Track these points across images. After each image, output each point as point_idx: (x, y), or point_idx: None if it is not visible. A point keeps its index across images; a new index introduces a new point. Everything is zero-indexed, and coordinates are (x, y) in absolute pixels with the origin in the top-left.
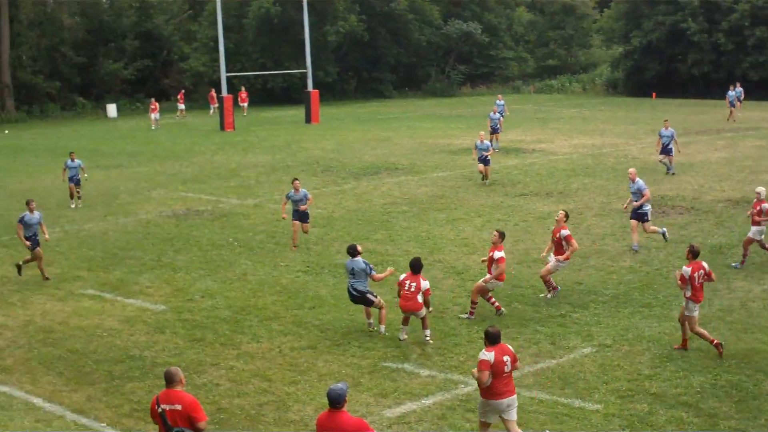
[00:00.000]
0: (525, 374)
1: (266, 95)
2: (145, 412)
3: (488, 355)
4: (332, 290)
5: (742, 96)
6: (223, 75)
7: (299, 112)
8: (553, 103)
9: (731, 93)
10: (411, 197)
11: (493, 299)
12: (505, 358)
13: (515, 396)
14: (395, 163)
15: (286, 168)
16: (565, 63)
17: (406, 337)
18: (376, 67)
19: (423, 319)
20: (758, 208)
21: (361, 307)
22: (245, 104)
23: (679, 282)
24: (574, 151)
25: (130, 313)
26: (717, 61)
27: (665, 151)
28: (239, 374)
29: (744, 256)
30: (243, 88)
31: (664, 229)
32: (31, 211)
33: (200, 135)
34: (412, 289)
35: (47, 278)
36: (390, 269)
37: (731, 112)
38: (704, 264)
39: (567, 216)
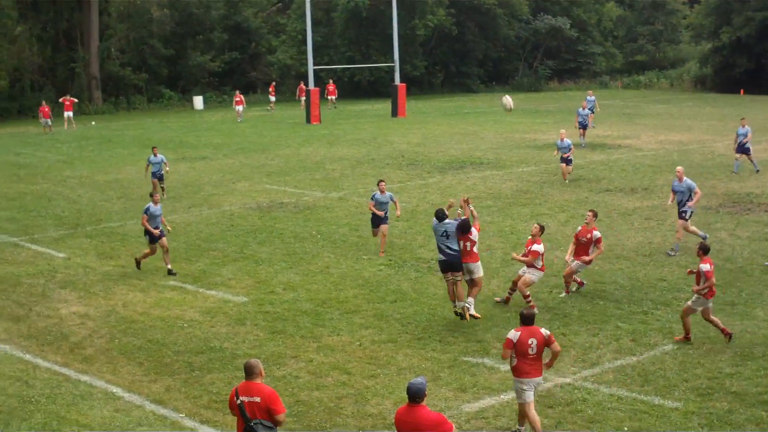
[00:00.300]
0: (605, 371)
1: (353, 89)
2: (224, 404)
3: (514, 335)
4: (414, 284)
5: None
6: (311, 68)
7: (386, 105)
8: (640, 99)
9: None
10: (495, 192)
11: (510, 295)
12: (531, 340)
13: (540, 378)
14: (480, 157)
15: (372, 161)
16: (653, 58)
17: (478, 315)
18: (463, 62)
19: (474, 283)
20: None
21: (442, 301)
22: (333, 97)
23: (711, 279)
24: (660, 147)
25: (211, 304)
26: None
27: (742, 149)
28: (319, 367)
29: None
30: (330, 81)
31: (706, 234)
32: (155, 202)
33: (286, 128)
34: (468, 248)
35: (172, 271)
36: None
37: None
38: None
39: (596, 216)
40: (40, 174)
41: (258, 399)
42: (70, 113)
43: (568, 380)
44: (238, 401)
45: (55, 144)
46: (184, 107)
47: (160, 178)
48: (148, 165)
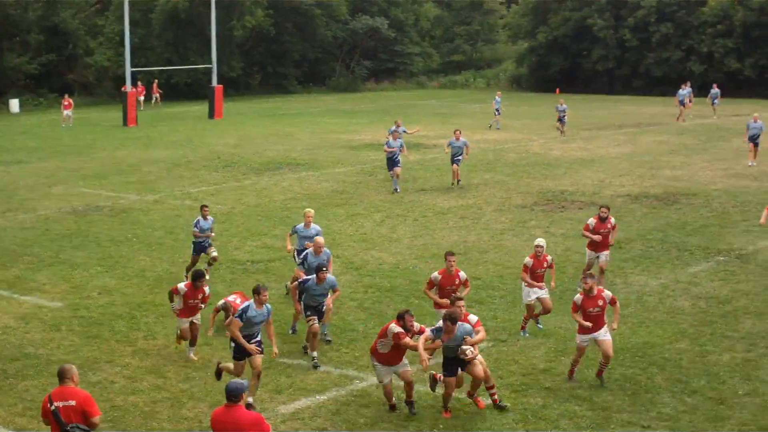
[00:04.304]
0: (418, 370)
1: (170, 90)
2: (39, 411)
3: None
4: (229, 286)
5: (692, 95)
6: (128, 70)
7: (203, 107)
8: (457, 99)
9: (682, 92)
10: (311, 193)
11: None
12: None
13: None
14: (296, 158)
15: (188, 164)
16: (470, 58)
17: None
18: (280, 62)
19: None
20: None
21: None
22: (156, 95)
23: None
24: (475, 147)
25: (25, 310)
26: (621, 56)
27: (753, 141)
28: (134, 371)
29: None
30: (155, 81)
31: None
32: (260, 302)
33: (102, 131)
34: None
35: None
36: None
37: (681, 111)
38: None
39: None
40: None
41: (73, 402)
42: None
43: None
44: (52, 407)
45: None
46: None
47: (203, 249)
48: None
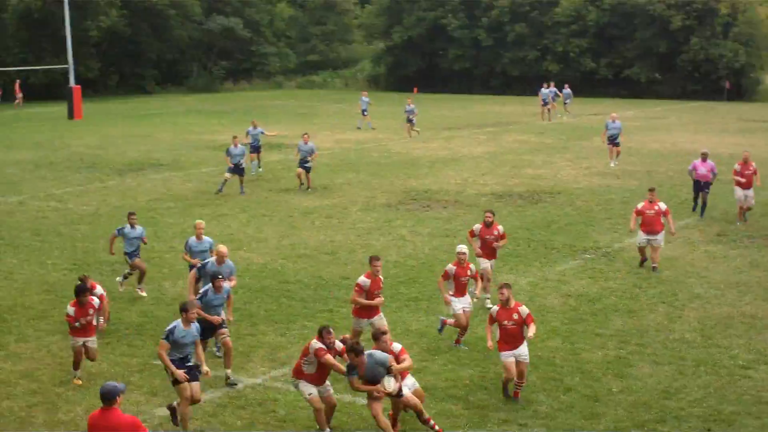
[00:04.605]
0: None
1: (28, 91)
2: None
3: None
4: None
5: (558, 94)
6: None
7: (61, 108)
8: (315, 99)
9: (545, 91)
10: (176, 193)
11: None
12: None
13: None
14: (159, 159)
15: (50, 165)
16: (326, 58)
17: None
18: (138, 63)
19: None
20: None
21: (128, 304)
22: (20, 95)
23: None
24: (337, 146)
25: None
26: (477, 56)
27: (612, 142)
28: (7, 376)
29: None
30: (18, 81)
31: None
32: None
33: None
34: None
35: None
36: None
37: (543, 111)
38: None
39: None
40: None
41: None
42: None
43: (258, 381)
44: None
45: None
46: None
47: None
48: (116, 236)
